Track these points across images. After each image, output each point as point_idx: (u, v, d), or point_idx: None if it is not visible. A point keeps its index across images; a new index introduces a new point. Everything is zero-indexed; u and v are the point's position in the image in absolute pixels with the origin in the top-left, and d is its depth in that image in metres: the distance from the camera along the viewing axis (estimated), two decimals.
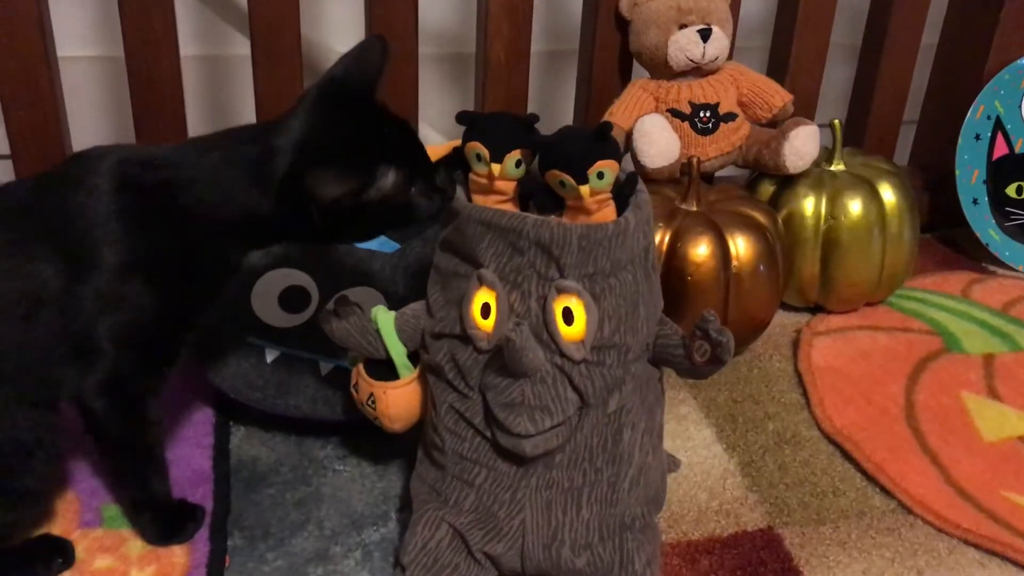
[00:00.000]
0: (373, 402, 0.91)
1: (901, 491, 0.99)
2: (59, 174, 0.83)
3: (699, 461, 1.03)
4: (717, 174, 1.32)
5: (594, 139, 0.79)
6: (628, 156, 1.25)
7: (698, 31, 1.21)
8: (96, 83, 1.53)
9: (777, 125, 1.26)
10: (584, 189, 0.79)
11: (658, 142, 1.19)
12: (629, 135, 1.22)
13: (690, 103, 1.23)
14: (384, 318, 0.89)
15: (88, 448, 0.99)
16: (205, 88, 1.58)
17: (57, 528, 0.92)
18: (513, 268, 0.80)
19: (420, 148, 0.83)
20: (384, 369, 0.91)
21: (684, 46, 1.21)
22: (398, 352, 0.90)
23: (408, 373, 0.90)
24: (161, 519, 0.91)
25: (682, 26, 1.22)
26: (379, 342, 0.90)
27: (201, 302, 0.86)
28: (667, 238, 1.12)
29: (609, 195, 0.81)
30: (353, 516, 0.95)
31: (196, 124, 1.46)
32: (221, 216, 0.81)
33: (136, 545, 0.90)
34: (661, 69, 1.25)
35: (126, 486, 0.91)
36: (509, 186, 0.83)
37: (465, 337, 0.83)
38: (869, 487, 1.01)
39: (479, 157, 0.82)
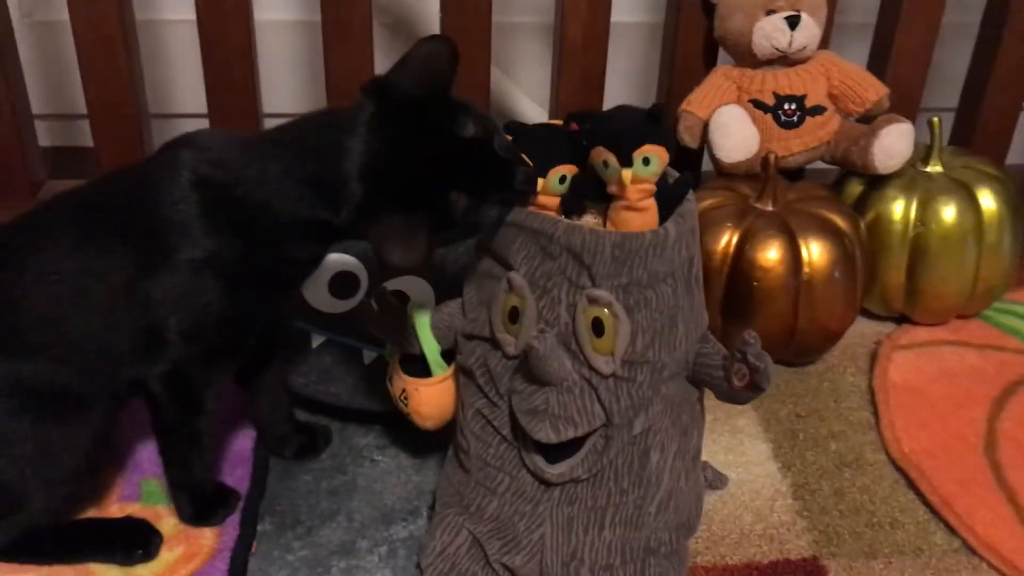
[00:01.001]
0: (406, 398, 0.89)
1: (967, 529, 0.91)
2: (136, 171, 0.83)
3: (750, 479, 0.97)
4: (809, 167, 1.24)
5: (646, 120, 0.74)
6: (705, 149, 1.19)
7: (786, 18, 1.13)
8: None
9: (871, 120, 1.17)
10: (627, 173, 0.74)
11: (735, 135, 1.13)
12: (707, 126, 1.16)
13: (774, 94, 1.16)
14: (420, 314, 0.87)
15: (135, 421, 1.01)
16: (305, 54, 1.56)
17: (95, 499, 0.93)
18: (544, 273, 0.76)
19: (495, 159, 0.76)
20: (419, 365, 0.89)
21: (770, 33, 1.13)
22: (431, 349, 0.87)
23: (441, 371, 0.88)
24: (196, 501, 0.91)
25: (769, 12, 1.14)
26: (414, 337, 0.87)
27: (270, 299, 0.86)
28: (735, 239, 1.06)
29: (652, 188, 0.76)
30: (384, 509, 0.94)
31: (290, 91, 1.47)
32: (289, 221, 0.79)
33: (169, 523, 0.91)
34: (746, 57, 1.18)
35: (170, 464, 0.92)
36: (552, 201, 0.79)
37: (496, 341, 0.80)
38: (932, 522, 0.93)
39: None
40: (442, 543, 0.84)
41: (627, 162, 0.74)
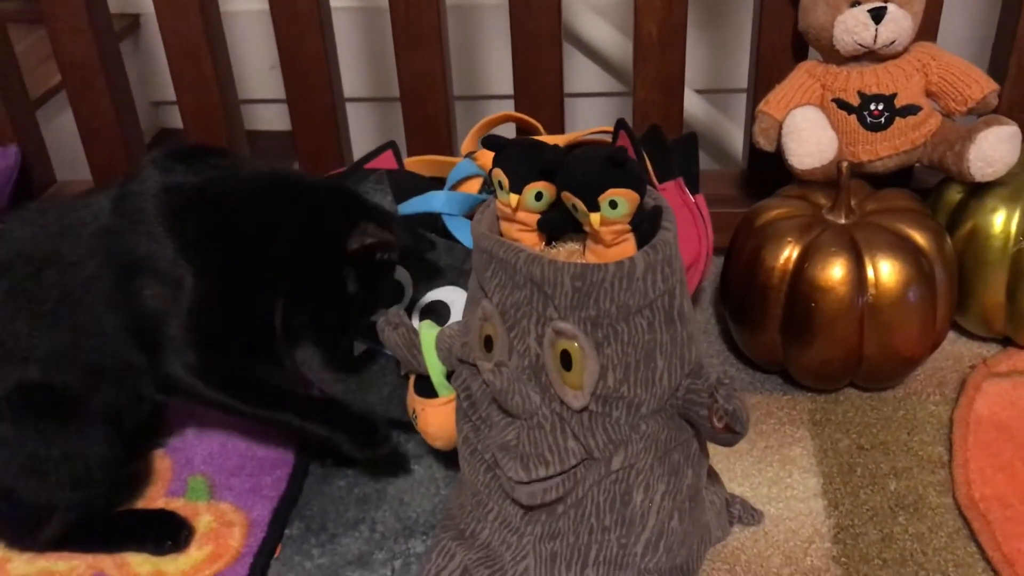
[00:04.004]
0: (415, 417, 0.89)
1: None
2: None
3: (790, 516, 0.90)
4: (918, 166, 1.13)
5: (610, 164, 0.70)
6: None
7: (870, 10, 1.02)
8: None
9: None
10: (594, 217, 0.71)
11: (808, 140, 1.04)
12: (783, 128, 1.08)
13: (859, 93, 1.06)
14: (427, 334, 0.87)
15: (193, 416, 1.07)
16: None
17: (147, 492, 0.99)
18: (513, 303, 0.73)
19: None
20: (429, 385, 0.89)
21: (852, 28, 1.03)
22: (436, 370, 0.87)
23: (447, 392, 0.87)
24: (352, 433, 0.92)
25: (855, 3, 1.04)
26: (422, 357, 0.87)
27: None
28: (795, 255, 0.98)
29: (627, 227, 0.72)
30: (407, 521, 0.94)
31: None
32: None
33: (204, 521, 0.95)
34: (829, 52, 1.08)
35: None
36: (531, 217, 0.77)
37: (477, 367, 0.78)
38: None
39: (501, 185, 0.76)
40: (436, 567, 0.83)
41: (593, 207, 0.70)
